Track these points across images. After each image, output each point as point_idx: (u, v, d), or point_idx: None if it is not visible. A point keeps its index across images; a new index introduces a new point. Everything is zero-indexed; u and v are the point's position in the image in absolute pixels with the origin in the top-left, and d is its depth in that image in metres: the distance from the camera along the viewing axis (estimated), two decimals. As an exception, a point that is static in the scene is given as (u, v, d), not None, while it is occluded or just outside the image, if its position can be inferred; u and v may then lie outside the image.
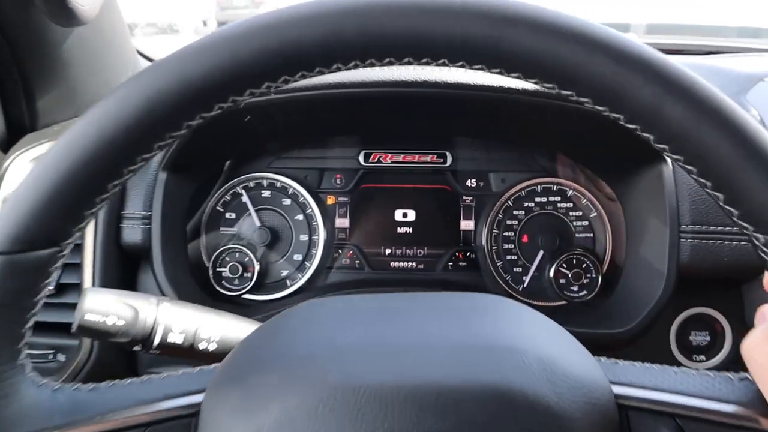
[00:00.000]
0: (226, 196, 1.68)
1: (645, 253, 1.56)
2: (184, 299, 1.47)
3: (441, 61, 0.51)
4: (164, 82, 0.51)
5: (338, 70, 0.52)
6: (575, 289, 1.69)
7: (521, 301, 1.72)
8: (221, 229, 1.67)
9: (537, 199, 1.68)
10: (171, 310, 0.94)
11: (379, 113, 1.49)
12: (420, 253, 1.70)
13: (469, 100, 1.28)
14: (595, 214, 1.75)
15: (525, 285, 1.74)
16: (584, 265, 1.69)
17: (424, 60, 0.51)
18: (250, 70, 0.51)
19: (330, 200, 1.70)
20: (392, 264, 1.70)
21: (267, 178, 1.68)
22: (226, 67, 0.50)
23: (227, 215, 1.68)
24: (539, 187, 1.76)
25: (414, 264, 1.70)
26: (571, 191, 1.75)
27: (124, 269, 1.58)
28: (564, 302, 1.70)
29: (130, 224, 1.54)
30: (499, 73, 0.53)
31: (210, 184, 1.64)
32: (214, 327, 0.97)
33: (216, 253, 1.59)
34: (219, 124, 1.33)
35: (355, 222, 1.69)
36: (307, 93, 1.29)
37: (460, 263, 1.77)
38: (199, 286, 1.56)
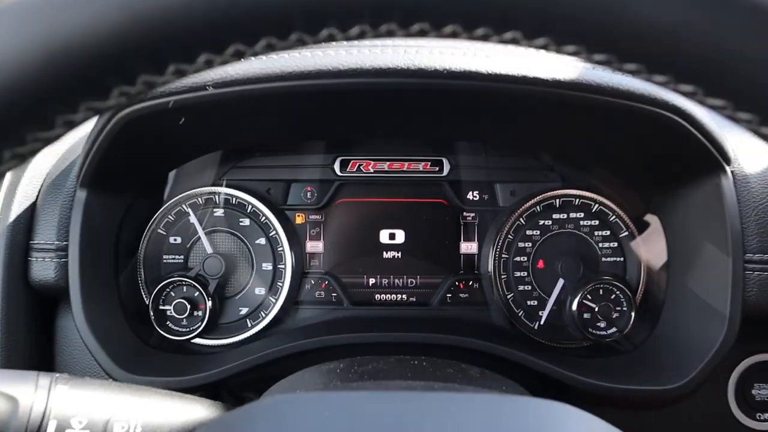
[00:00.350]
0: (169, 217, 1.47)
1: (696, 285, 1.30)
2: (114, 349, 1.26)
3: (509, 34, 0.36)
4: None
5: (330, 40, 0.38)
6: (602, 326, 1.43)
7: (537, 343, 1.49)
8: (164, 257, 1.47)
9: (555, 216, 1.49)
10: (69, 394, 0.76)
11: (359, 110, 1.28)
12: (411, 283, 1.53)
13: (476, 94, 1.08)
14: (626, 233, 1.49)
15: (542, 322, 1.48)
16: (613, 297, 1.43)
17: (478, 31, 0.36)
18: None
19: (299, 219, 1.52)
20: (377, 297, 1.53)
21: (219, 193, 1.47)
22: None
23: (171, 240, 1.47)
24: (558, 200, 1.50)
25: (404, 297, 1.53)
26: (596, 205, 1.49)
27: (34, 315, 1.33)
28: (588, 343, 1.46)
29: (41, 257, 1.29)
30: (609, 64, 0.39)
31: (147, 202, 1.45)
32: (133, 412, 0.79)
33: (158, 287, 1.40)
34: (148, 128, 1.16)
35: (330, 246, 1.52)
36: (263, 86, 1.07)
37: (461, 295, 1.52)
38: (136, 332, 1.38)
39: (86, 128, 1.16)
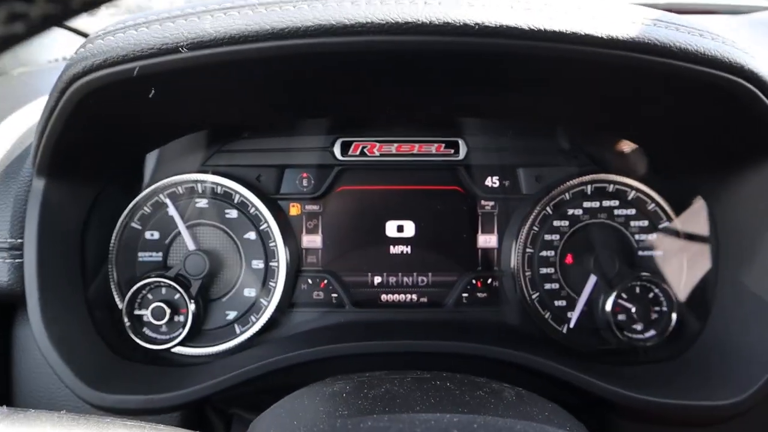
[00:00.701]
0: (145, 208, 1.35)
1: (753, 281, 1.16)
2: (81, 364, 1.16)
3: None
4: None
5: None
6: (640, 328, 1.31)
7: (566, 349, 1.34)
8: (140, 255, 1.35)
9: (586, 204, 1.35)
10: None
11: (365, 80, 1.09)
12: (422, 281, 1.40)
13: (512, 56, 0.90)
14: (666, 223, 1.35)
15: (571, 325, 1.34)
16: (652, 296, 1.32)
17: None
18: None
19: (293, 210, 1.39)
20: (383, 298, 1.40)
21: (202, 181, 1.35)
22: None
23: (148, 235, 1.35)
24: (589, 187, 1.36)
25: (414, 297, 1.40)
26: (633, 192, 1.35)
27: (-14, 324, 1.21)
28: (624, 347, 1.32)
29: (-9, 258, 1.17)
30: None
31: (119, 192, 1.33)
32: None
33: (133, 290, 1.30)
34: (111, 102, 0.99)
35: (329, 240, 1.40)
36: (249, 46, 0.86)
37: (479, 295, 1.39)
38: (107, 342, 1.25)
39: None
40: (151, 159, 1.34)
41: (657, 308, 1.31)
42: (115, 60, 0.84)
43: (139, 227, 1.34)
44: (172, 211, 1.33)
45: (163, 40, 0.84)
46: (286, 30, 0.80)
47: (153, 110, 1.03)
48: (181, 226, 1.32)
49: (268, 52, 0.81)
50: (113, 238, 1.33)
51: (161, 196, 1.33)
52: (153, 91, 0.93)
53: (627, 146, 1.33)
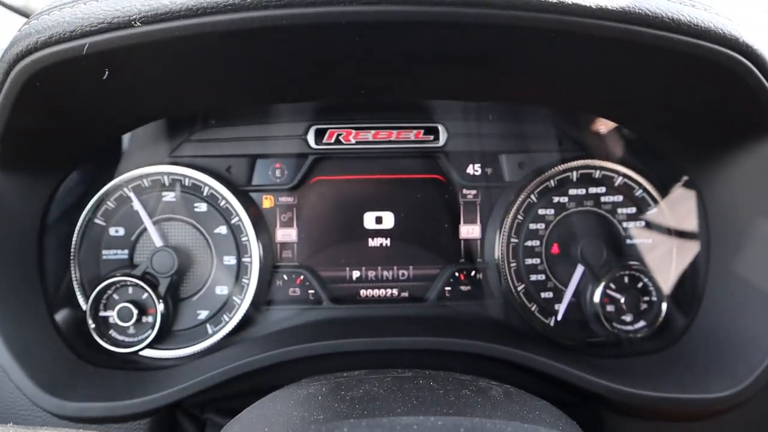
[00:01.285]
0: (109, 203, 1.29)
1: (745, 269, 1.13)
2: (39, 369, 1.09)
3: None
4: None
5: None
6: (629, 319, 1.28)
7: (554, 342, 1.29)
8: (104, 252, 1.29)
9: (572, 191, 1.32)
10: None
11: (340, 59, 1.02)
12: (403, 275, 1.35)
13: (498, 29, 0.83)
14: (654, 210, 1.31)
15: (558, 317, 1.31)
16: (641, 286, 1.28)
17: None
18: None
19: (266, 202, 1.34)
20: (362, 293, 1.35)
21: (169, 174, 1.29)
22: None
23: (112, 232, 1.29)
24: (575, 173, 1.32)
25: (394, 292, 1.35)
26: (620, 178, 1.32)
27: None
28: (614, 339, 1.28)
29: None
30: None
31: (81, 184, 1.26)
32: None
33: (97, 290, 1.24)
34: (61, 85, 0.91)
35: (305, 234, 1.35)
36: (209, 19, 0.79)
37: (462, 288, 1.34)
38: (69, 346, 1.19)
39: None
40: (114, 150, 1.28)
41: (646, 298, 1.27)
42: (61, 36, 0.76)
43: (103, 223, 1.28)
44: (137, 205, 1.26)
45: (114, 13, 0.77)
46: (248, 1, 0.74)
47: (109, 94, 0.96)
48: (147, 222, 1.26)
49: (228, 26, 0.75)
50: (75, 235, 1.27)
51: (125, 189, 1.27)
52: (107, 72, 0.86)
53: (614, 129, 1.29)
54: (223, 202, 1.28)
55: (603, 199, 1.30)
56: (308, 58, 0.90)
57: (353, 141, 1.30)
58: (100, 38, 0.77)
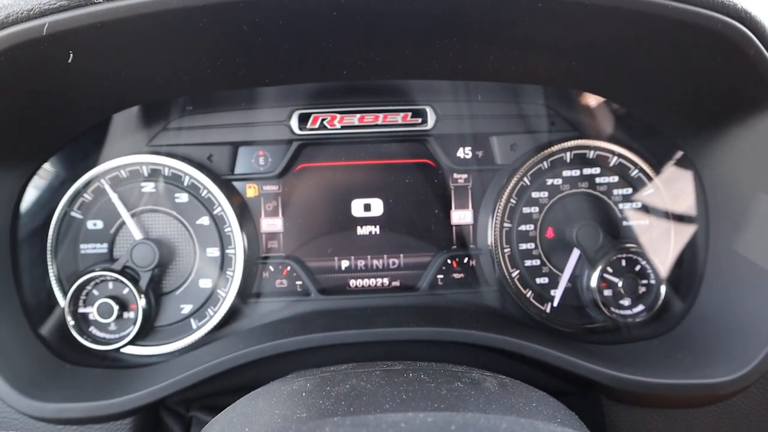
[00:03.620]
0: (86, 195, 1.25)
1: (746, 249, 1.09)
2: (14, 369, 1.05)
3: None
4: None
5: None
6: (627, 304, 1.25)
7: (551, 329, 1.26)
8: (82, 247, 1.25)
9: (565, 173, 1.28)
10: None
11: (314, 39, 0.97)
12: (393, 264, 1.31)
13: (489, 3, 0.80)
14: (651, 190, 1.27)
15: (554, 303, 1.27)
16: (639, 269, 1.25)
17: None
18: None
19: (250, 191, 1.30)
20: (351, 283, 1.31)
21: (147, 163, 1.24)
22: None
23: (90, 225, 1.25)
24: (568, 154, 1.28)
25: (385, 281, 1.31)
26: (615, 158, 1.28)
27: None
28: (612, 325, 1.26)
29: None
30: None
31: (56, 176, 1.22)
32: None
33: (76, 285, 1.20)
34: (23, 70, 0.86)
35: (291, 223, 1.30)
36: None
37: (455, 275, 1.31)
38: (47, 344, 1.16)
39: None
40: (89, 139, 1.22)
41: (644, 281, 1.24)
42: (19, 16, 0.71)
43: (80, 216, 1.23)
44: (113, 197, 1.22)
45: (77, -11, 0.72)
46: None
47: (76, 79, 0.90)
48: (125, 214, 1.22)
49: (194, 1, 0.70)
50: (51, 229, 1.22)
51: (102, 181, 1.23)
52: (72, 56, 0.81)
53: (607, 107, 1.25)
54: (205, 192, 1.23)
55: (598, 180, 1.27)
56: (284, 36, 0.85)
57: (338, 126, 1.26)
58: (60, 17, 0.72)
